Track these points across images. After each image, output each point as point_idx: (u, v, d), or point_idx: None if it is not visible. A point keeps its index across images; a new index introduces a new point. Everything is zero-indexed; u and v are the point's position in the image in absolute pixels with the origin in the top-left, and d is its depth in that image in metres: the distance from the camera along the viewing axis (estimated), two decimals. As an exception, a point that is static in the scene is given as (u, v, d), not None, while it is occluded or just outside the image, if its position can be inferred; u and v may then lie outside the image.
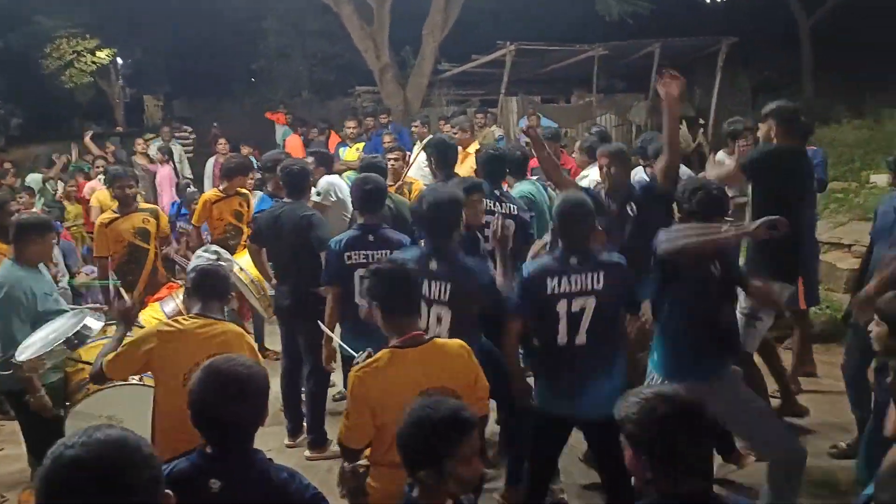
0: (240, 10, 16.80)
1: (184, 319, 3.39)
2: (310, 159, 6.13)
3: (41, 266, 4.51)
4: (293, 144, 11.14)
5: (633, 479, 2.18)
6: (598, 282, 3.63)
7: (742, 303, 4.88)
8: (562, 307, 3.63)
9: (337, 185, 5.96)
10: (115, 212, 6.12)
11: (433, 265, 3.69)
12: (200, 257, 3.60)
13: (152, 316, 4.94)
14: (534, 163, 6.60)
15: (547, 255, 3.90)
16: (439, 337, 3.31)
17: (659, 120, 13.77)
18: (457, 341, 3.08)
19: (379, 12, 14.37)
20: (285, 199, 5.31)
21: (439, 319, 3.65)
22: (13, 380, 4.07)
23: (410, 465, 2.28)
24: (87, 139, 11.06)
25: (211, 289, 3.45)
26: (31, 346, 3.97)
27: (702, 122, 13.48)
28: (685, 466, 2.04)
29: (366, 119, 10.91)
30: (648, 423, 2.06)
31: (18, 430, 4.76)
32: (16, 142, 15.97)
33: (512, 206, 5.04)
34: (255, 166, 9.98)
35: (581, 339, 3.65)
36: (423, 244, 3.94)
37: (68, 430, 4.02)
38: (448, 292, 3.64)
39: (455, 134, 7.59)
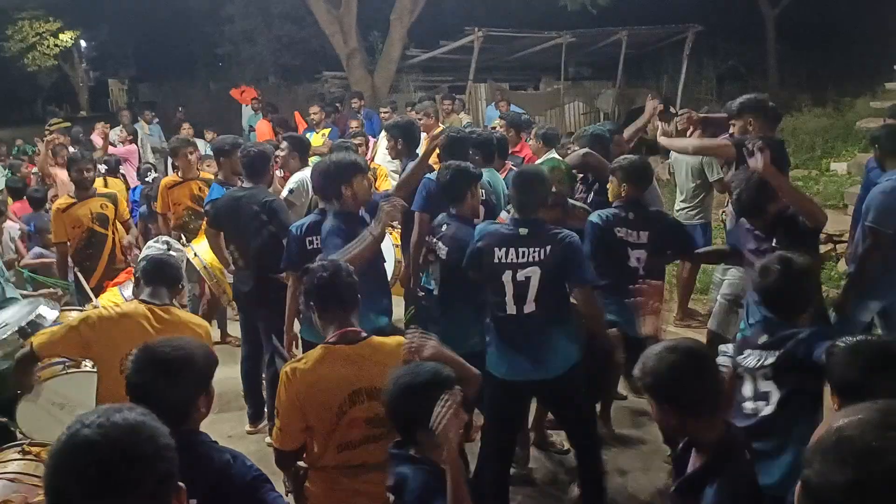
0: (205, -7, 16.61)
1: (125, 305, 3.38)
2: (283, 144, 6.03)
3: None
4: (262, 130, 11.02)
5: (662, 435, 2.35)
6: (544, 254, 3.68)
7: (724, 289, 4.97)
8: (507, 277, 3.69)
9: (308, 181, 5.88)
10: (71, 196, 6.02)
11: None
12: (151, 248, 3.60)
13: (111, 300, 4.88)
14: (525, 151, 6.62)
15: (498, 224, 3.95)
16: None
17: (625, 107, 13.86)
18: (397, 338, 2.95)
19: (346, -4, 14.29)
20: (244, 185, 5.22)
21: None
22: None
23: (405, 430, 2.42)
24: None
25: (160, 277, 3.47)
26: (-18, 336, 3.91)
27: (673, 110, 13.61)
28: (701, 407, 2.23)
29: (335, 105, 10.84)
30: (662, 373, 2.25)
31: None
32: (-25, 125, 15.68)
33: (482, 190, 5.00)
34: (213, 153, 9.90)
35: (529, 307, 3.70)
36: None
37: (20, 417, 3.98)
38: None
39: (420, 119, 7.56)
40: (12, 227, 7.04)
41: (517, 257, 3.71)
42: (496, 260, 3.71)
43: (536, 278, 3.68)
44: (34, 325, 3.96)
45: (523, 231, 3.73)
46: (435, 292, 4.35)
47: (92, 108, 24.55)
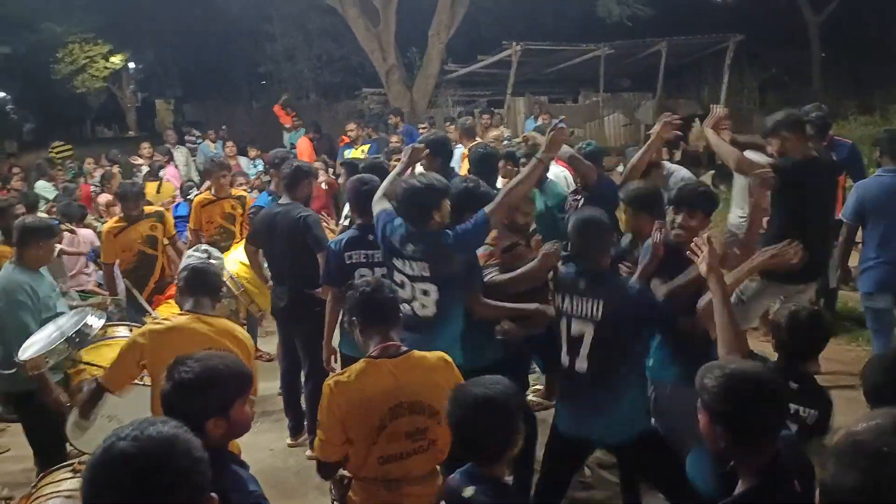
0: (247, 13, 16.91)
1: (173, 317, 3.45)
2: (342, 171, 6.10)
3: (42, 269, 4.55)
4: (303, 147, 11.19)
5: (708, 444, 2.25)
6: (597, 311, 3.41)
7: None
8: (563, 326, 3.50)
9: None
10: (122, 219, 6.17)
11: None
12: (191, 256, 3.64)
13: (170, 312, 5.05)
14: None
15: (564, 268, 3.67)
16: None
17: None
18: (437, 353, 2.96)
19: (384, 13, 14.42)
20: (281, 201, 5.32)
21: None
22: (17, 380, 4.11)
23: (473, 446, 2.41)
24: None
25: (202, 286, 3.51)
26: (33, 345, 4.02)
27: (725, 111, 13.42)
28: (760, 440, 2.14)
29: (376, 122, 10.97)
30: (728, 399, 2.14)
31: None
32: (29, 146, 16.15)
33: None
34: (264, 168, 10.07)
35: (581, 364, 3.45)
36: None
37: (69, 431, 4.07)
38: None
39: (452, 133, 7.60)
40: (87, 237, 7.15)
41: (573, 308, 3.47)
42: (557, 305, 3.53)
43: (589, 336, 3.43)
44: (82, 335, 4.04)
45: (582, 283, 3.48)
46: None
47: (139, 128, 25.17)
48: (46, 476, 3.32)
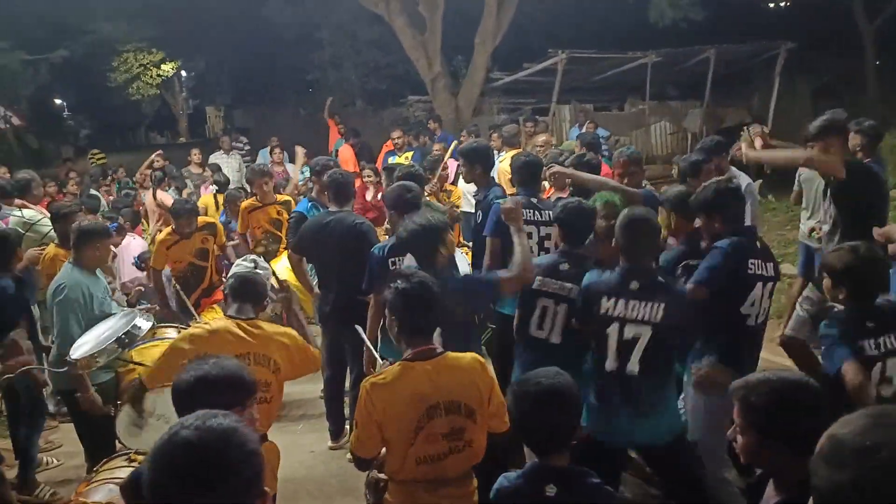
0: (296, 21, 17.17)
1: (214, 321, 3.58)
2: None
3: (97, 271, 4.70)
4: (345, 155, 11.31)
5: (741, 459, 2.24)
6: (658, 313, 3.40)
7: (806, 304, 4.82)
8: (613, 330, 3.46)
9: None
10: (175, 232, 6.32)
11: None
12: (239, 265, 3.76)
13: (213, 316, 5.18)
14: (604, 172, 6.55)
15: (608, 272, 3.64)
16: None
17: (713, 127, 13.53)
18: (471, 354, 3.00)
19: (431, 22, 14.51)
20: (331, 208, 5.37)
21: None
22: (68, 378, 4.24)
23: (548, 442, 2.56)
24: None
25: (246, 293, 3.63)
26: (84, 345, 4.15)
27: (766, 129, 13.18)
28: (801, 447, 2.06)
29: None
30: (785, 413, 2.10)
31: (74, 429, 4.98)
32: (84, 152, 16.63)
33: (550, 213, 4.96)
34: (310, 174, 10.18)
35: (633, 367, 3.43)
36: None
37: (123, 431, 4.18)
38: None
39: (495, 142, 7.61)
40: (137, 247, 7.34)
41: (626, 311, 3.44)
42: (602, 311, 3.48)
43: (646, 338, 3.41)
44: (131, 336, 4.16)
45: (634, 285, 3.45)
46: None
47: (190, 135, 25.72)
48: (105, 464, 3.44)
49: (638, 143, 13.53)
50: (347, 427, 5.36)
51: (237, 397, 2.38)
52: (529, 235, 4.54)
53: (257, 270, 3.70)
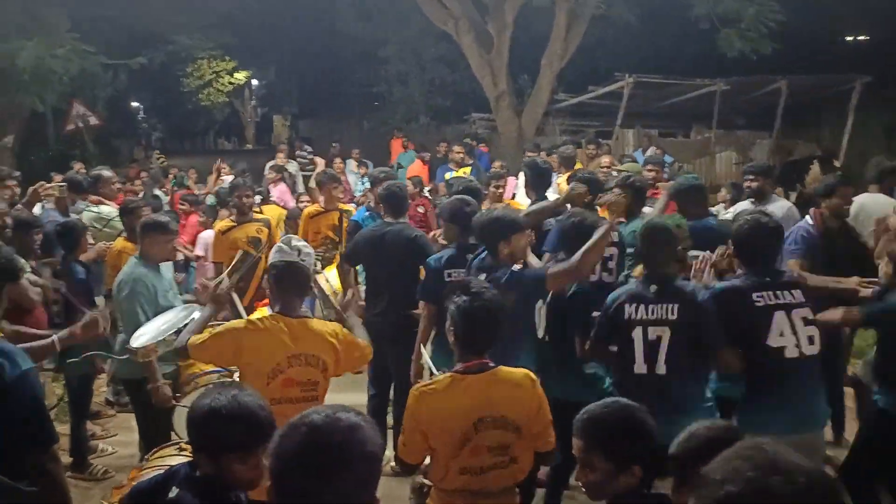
0: (364, 36, 17.47)
1: (266, 320, 3.41)
2: None
3: (162, 266, 4.84)
4: (415, 169, 11.37)
5: None
6: (673, 313, 3.57)
7: None
8: (637, 335, 3.60)
9: None
10: (232, 220, 6.47)
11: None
12: (281, 251, 3.45)
13: (263, 314, 5.21)
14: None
15: (633, 281, 3.90)
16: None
17: (781, 159, 13.20)
18: (523, 371, 2.99)
19: (498, 41, 14.58)
20: (386, 220, 5.38)
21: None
22: (134, 367, 4.36)
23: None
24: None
25: (290, 284, 3.42)
26: (145, 335, 4.25)
27: (835, 163, 12.83)
28: None
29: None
30: None
31: (131, 418, 5.11)
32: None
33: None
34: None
35: (660, 369, 3.58)
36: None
37: (176, 422, 4.27)
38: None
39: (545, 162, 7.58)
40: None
41: (647, 314, 3.61)
42: (626, 316, 3.64)
43: (667, 339, 3.57)
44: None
45: (653, 290, 3.64)
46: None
47: (256, 142, 26.32)
48: (157, 452, 3.50)
49: (702, 172, 13.32)
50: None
51: (249, 439, 2.21)
52: None
53: (301, 258, 3.42)
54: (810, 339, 3.61)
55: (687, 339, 3.57)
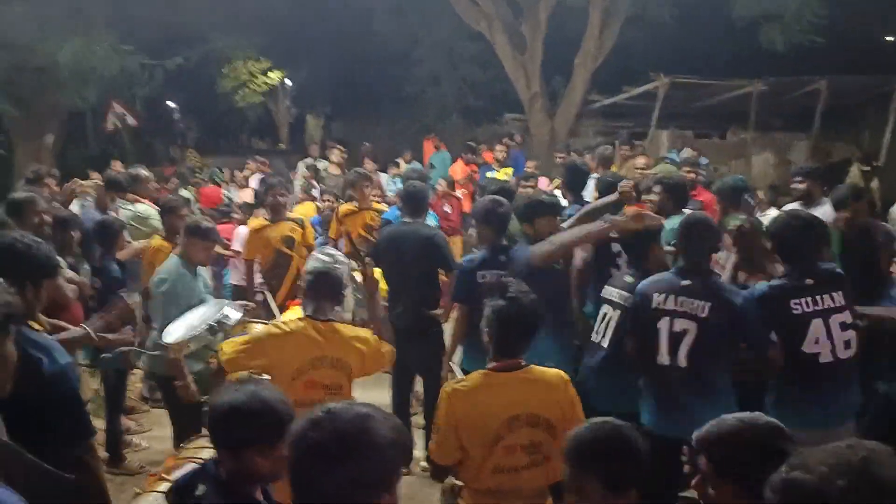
0: (397, 36, 17.49)
1: (291, 322, 3.51)
2: None
3: (199, 268, 4.90)
4: (456, 169, 11.36)
5: None
6: (703, 311, 3.53)
7: None
8: (663, 324, 3.59)
9: None
10: (266, 219, 6.51)
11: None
12: (316, 259, 3.66)
13: (294, 315, 5.24)
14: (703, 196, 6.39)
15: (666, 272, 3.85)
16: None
17: (819, 161, 13.01)
18: (556, 371, 3.02)
19: (532, 42, 14.52)
20: (404, 219, 5.36)
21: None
22: (164, 363, 4.40)
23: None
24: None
25: (324, 290, 3.53)
26: (176, 331, 4.29)
27: (875, 163, 12.57)
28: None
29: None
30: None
31: (164, 414, 5.17)
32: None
33: None
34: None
35: (681, 362, 3.57)
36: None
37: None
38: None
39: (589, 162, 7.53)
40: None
41: (675, 306, 3.59)
42: (654, 306, 3.62)
43: (693, 334, 3.53)
44: (221, 324, 4.25)
45: (686, 282, 3.61)
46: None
47: (290, 142, 26.48)
48: (190, 443, 3.54)
49: (738, 173, 13.10)
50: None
51: (269, 433, 2.24)
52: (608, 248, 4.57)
53: (336, 265, 3.56)
54: (846, 344, 3.59)
55: (714, 338, 3.54)
